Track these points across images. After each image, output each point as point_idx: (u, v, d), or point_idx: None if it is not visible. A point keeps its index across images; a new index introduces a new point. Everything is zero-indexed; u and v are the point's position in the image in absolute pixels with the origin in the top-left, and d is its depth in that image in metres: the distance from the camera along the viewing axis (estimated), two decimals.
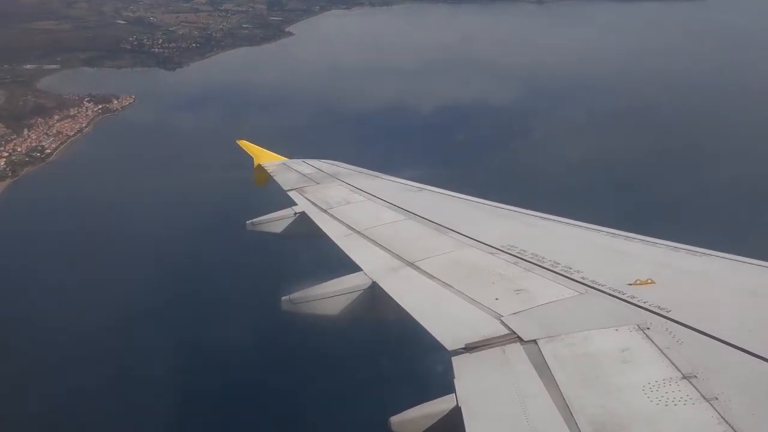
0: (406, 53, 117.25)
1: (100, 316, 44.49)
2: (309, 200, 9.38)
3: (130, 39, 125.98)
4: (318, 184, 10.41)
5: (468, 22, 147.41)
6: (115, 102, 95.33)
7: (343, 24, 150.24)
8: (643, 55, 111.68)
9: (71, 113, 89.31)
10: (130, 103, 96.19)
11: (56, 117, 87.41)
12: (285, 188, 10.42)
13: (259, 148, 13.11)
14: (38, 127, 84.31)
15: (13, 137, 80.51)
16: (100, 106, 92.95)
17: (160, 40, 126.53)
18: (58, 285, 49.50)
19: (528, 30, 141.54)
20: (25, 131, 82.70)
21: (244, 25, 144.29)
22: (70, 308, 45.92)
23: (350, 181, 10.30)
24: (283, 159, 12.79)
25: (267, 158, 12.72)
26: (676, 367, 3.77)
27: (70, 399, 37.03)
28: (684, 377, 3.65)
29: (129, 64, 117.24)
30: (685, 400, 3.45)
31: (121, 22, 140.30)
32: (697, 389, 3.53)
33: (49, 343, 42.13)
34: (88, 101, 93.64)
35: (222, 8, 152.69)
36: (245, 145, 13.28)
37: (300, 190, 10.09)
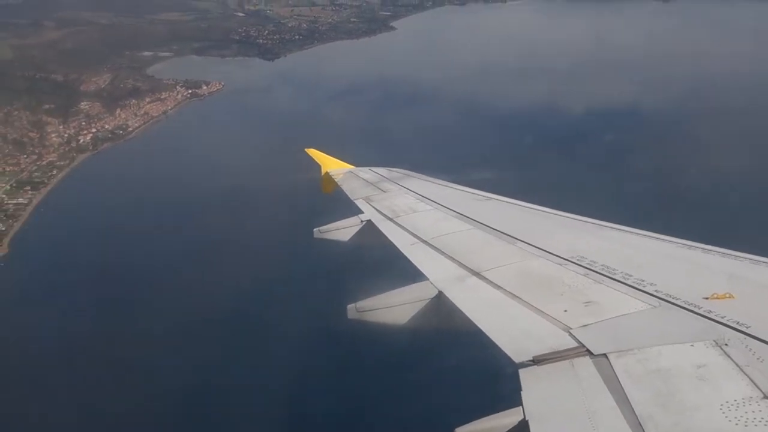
0: (489, 52, 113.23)
1: (160, 313, 44.57)
2: (375, 209, 9.41)
3: (240, 30, 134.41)
4: (385, 192, 10.49)
5: (587, 21, 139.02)
6: (204, 88, 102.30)
7: (448, 20, 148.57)
8: None
9: (162, 96, 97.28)
10: (217, 89, 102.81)
11: (147, 99, 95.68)
12: (352, 197, 10.50)
13: (327, 156, 13.36)
14: (130, 108, 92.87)
15: (105, 116, 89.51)
16: (190, 91, 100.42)
17: (266, 31, 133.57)
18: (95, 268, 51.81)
19: (655, 30, 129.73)
20: (118, 111, 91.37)
21: (352, 19, 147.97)
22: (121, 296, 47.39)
23: (417, 189, 10.30)
24: (350, 167, 12.97)
25: (334, 166, 12.95)
26: (757, 385, 3.54)
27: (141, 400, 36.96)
28: (765, 397, 3.44)
29: (233, 53, 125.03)
30: (767, 421, 3.25)
31: (240, 14, 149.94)
32: None
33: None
34: (181, 86, 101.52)
35: (337, 2, 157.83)
36: (313, 153, 13.56)
37: (367, 198, 10.17)
